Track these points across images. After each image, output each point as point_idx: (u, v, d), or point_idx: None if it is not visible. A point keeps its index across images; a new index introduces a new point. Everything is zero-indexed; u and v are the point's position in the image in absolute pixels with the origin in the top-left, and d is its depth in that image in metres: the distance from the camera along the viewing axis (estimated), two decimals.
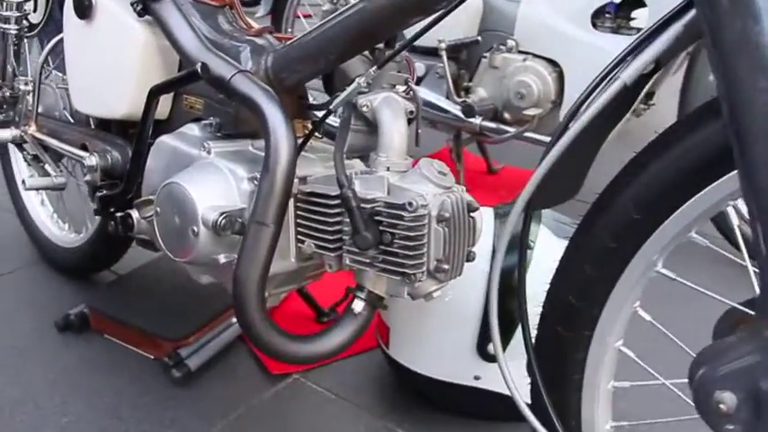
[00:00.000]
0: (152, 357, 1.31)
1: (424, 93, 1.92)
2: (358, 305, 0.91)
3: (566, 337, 0.79)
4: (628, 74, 0.66)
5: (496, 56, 1.84)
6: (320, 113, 1.01)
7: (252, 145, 0.98)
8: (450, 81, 1.86)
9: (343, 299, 1.42)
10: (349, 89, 0.85)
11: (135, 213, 1.03)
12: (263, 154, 0.95)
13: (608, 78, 0.68)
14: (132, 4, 1.01)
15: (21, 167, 1.68)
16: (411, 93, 0.95)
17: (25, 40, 1.43)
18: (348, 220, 0.85)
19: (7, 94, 1.39)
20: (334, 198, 0.86)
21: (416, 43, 1.99)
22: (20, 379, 1.26)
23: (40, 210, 1.63)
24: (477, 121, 1.84)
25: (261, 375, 1.29)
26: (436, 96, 1.92)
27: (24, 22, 1.37)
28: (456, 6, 0.78)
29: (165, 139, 1.01)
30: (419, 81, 1.97)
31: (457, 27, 1.88)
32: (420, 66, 1.98)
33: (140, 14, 1.01)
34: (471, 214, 0.89)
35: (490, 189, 2.12)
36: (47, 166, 1.23)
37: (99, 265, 1.54)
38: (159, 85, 0.96)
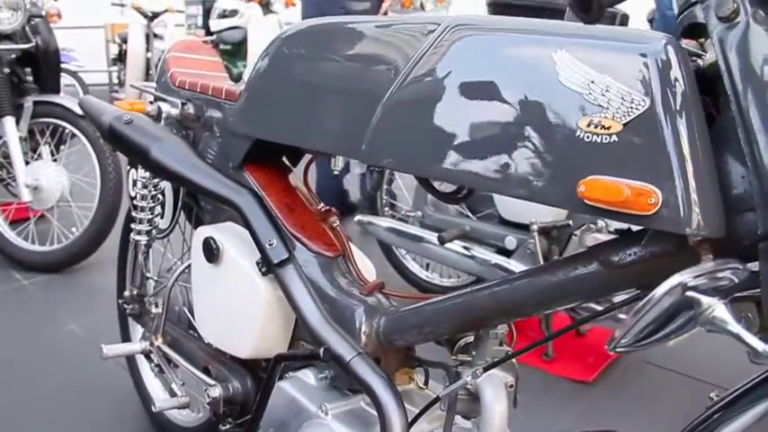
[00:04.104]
0: None
1: (515, 266, 2.00)
2: None
3: None
4: None
5: (587, 235, 1.89)
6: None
7: (363, 400, 1.06)
8: (540, 258, 1.93)
9: None
10: (458, 383, 0.93)
11: None
12: (374, 412, 1.03)
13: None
14: (257, 263, 1.13)
15: (137, 335, 1.83)
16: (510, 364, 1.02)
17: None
18: None
19: (135, 292, 1.54)
20: None
21: (509, 218, 2.08)
22: None
23: (154, 382, 1.75)
24: None
25: None
26: None
27: (153, 231, 1.52)
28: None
29: (285, 386, 1.10)
30: (510, 254, 2.05)
31: (549, 209, 1.95)
32: (511, 239, 2.06)
33: (264, 274, 1.13)
34: None
35: (578, 355, 2.14)
36: (173, 385, 1.35)
37: None
38: (284, 355, 1.07)
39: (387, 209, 2.66)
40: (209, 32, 6.26)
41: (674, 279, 0.61)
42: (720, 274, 0.63)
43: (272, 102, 1.15)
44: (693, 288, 0.61)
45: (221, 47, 6.08)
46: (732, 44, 0.64)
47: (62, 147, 3.05)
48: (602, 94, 0.69)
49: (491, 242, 2.15)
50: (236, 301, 1.16)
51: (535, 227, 1.92)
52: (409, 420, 0.96)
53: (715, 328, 0.61)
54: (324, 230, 1.19)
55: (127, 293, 1.56)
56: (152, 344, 1.39)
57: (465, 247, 2.15)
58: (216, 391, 1.20)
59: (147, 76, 5.48)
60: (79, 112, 2.78)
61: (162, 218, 1.55)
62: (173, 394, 1.36)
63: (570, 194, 0.71)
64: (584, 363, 2.10)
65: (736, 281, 0.64)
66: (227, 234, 1.21)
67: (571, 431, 1.13)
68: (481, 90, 0.80)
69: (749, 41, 0.63)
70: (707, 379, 2.01)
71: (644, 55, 0.67)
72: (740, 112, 0.64)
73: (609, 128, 0.68)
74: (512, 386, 0.99)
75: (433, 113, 0.85)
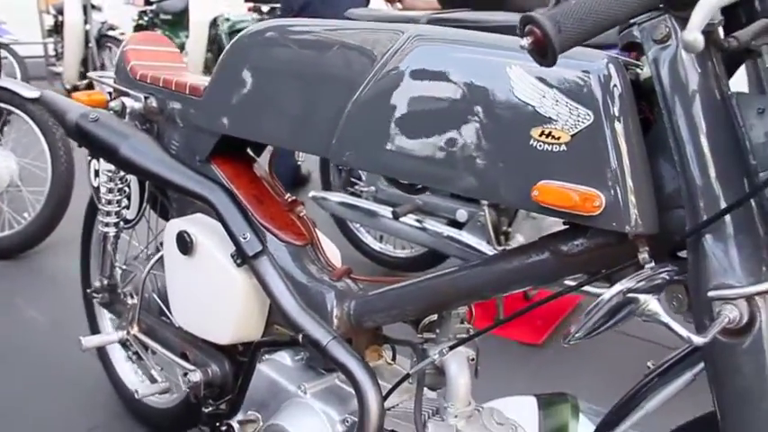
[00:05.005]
0: None
1: (466, 237, 2.10)
2: None
3: None
4: None
5: None
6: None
7: (338, 378, 1.15)
8: (491, 230, 2.04)
9: None
10: (427, 361, 1.02)
11: (236, 425, 1.20)
12: (349, 389, 1.12)
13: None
14: (232, 256, 1.20)
15: (104, 321, 1.88)
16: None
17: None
18: None
19: (105, 282, 1.59)
20: None
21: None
22: None
23: (125, 367, 1.81)
24: None
25: None
26: (478, 241, 2.09)
27: (121, 223, 1.56)
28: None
29: (263, 368, 1.18)
30: (461, 226, 2.15)
31: None
32: (463, 212, 2.16)
33: (239, 265, 1.20)
34: None
35: (527, 320, 2.27)
36: (152, 371, 1.42)
37: (186, 425, 1.71)
38: (265, 342, 1.15)
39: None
40: (148, 2, 6.15)
41: (617, 287, 0.71)
42: (656, 277, 0.73)
43: (239, 99, 1.19)
44: (633, 290, 0.71)
45: (161, 16, 5.99)
46: (664, 63, 0.73)
47: (5, 129, 3.01)
48: (553, 108, 0.77)
49: (443, 215, 2.25)
50: (213, 291, 1.23)
51: (486, 200, 2.02)
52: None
53: (649, 318, 0.71)
54: (292, 220, 1.26)
55: (97, 284, 1.60)
56: (128, 333, 1.44)
57: (418, 221, 2.25)
58: (196, 376, 1.27)
59: (87, 49, 5.35)
60: (26, 95, 2.75)
61: (128, 209, 1.59)
62: (153, 380, 1.42)
63: (525, 197, 0.80)
64: (533, 326, 2.23)
65: (668, 279, 0.75)
66: (199, 227, 1.27)
67: (525, 395, 1.24)
68: (443, 98, 0.88)
69: (678, 62, 0.72)
70: (649, 338, 2.17)
71: (588, 72, 0.76)
72: (671, 123, 0.74)
73: (558, 138, 0.77)
74: (473, 359, 1.09)
75: (399, 118, 0.93)
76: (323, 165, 2.75)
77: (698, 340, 0.66)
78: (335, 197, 2.52)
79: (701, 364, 0.78)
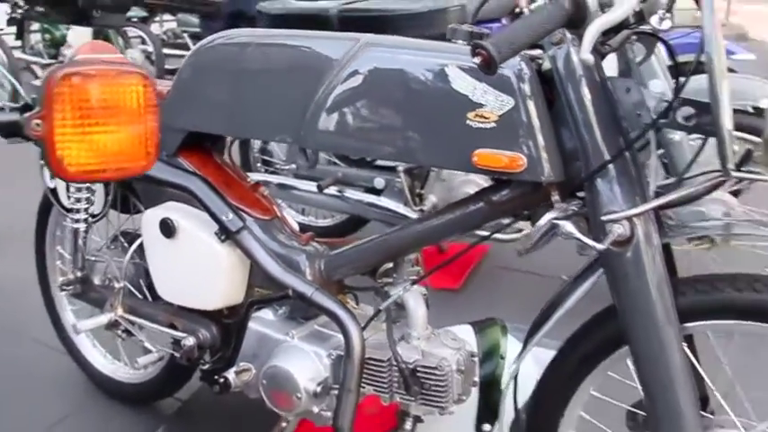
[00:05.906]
0: None
1: (385, 202, 2.38)
2: (408, 424, 1.37)
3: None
4: None
5: (442, 170, 2.31)
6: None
7: (316, 324, 1.41)
8: (408, 193, 2.33)
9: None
10: (394, 297, 1.30)
11: (232, 376, 1.43)
12: (328, 331, 1.38)
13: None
14: (216, 233, 1.41)
15: (66, 313, 2.03)
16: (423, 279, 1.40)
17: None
18: (397, 373, 1.30)
19: (78, 274, 1.76)
20: (386, 362, 1.31)
21: (377, 162, 2.44)
22: None
23: (93, 352, 1.98)
24: None
25: None
26: (396, 204, 2.37)
27: (89, 218, 1.73)
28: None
29: (252, 325, 1.42)
30: (379, 193, 2.43)
31: None
32: (380, 180, 2.43)
33: (222, 241, 1.41)
34: (473, 358, 1.36)
35: (445, 267, 2.58)
36: (146, 344, 1.61)
37: (164, 395, 1.91)
38: (257, 300, 1.38)
39: (259, 164, 2.93)
40: None
41: (547, 217, 1.01)
42: (569, 209, 1.04)
43: (208, 99, 1.39)
44: (556, 218, 1.01)
45: (38, 9, 5.83)
46: (560, 59, 1.03)
47: None
48: (483, 96, 1.05)
49: (362, 184, 2.51)
50: (200, 265, 1.44)
51: (401, 167, 2.31)
52: None
53: (567, 236, 1.01)
54: (257, 199, 1.49)
55: (70, 276, 1.76)
56: (115, 314, 1.62)
57: (339, 191, 2.50)
58: (190, 341, 1.48)
59: None
60: None
61: (93, 205, 1.76)
62: (147, 351, 1.62)
63: (466, 162, 1.08)
64: (450, 273, 2.55)
65: (576, 210, 1.05)
66: (179, 213, 1.47)
67: (462, 324, 1.54)
68: (395, 92, 1.14)
69: (569, 59, 1.02)
70: (546, 273, 2.53)
71: (507, 69, 1.04)
72: (567, 101, 1.03)
73: (488, 118, 1.05)
74: (424, 294, 1.38)
75: (359, 109, 1.18)
76: (242, 148, 2.93)
77: (600, 247, 0.98)
78: (256, 177, 2.73)
79: (600, 271, 1.10)
